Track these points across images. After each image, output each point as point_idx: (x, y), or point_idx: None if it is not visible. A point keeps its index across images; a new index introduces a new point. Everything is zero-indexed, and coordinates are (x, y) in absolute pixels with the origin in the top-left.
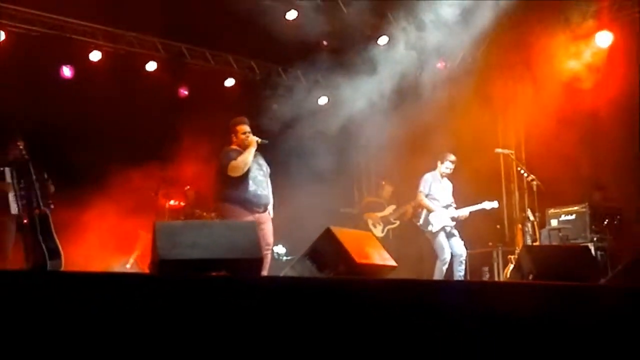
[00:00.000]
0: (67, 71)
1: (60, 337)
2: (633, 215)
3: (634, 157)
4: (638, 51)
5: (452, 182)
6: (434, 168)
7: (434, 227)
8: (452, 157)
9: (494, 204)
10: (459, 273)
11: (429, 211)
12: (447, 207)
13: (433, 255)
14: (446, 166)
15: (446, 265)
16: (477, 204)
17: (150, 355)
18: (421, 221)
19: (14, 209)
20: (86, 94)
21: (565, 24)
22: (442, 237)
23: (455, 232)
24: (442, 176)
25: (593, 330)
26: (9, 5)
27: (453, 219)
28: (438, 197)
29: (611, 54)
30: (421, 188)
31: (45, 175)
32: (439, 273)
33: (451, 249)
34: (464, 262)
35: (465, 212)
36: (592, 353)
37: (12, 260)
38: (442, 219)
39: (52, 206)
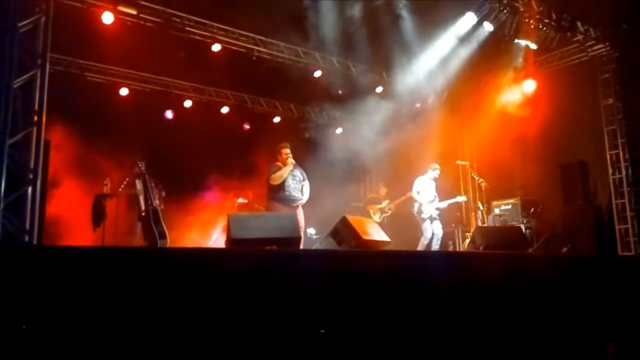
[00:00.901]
0: (169, 114)
1: (170, 290)
2: (550, 205)
3: (551, 167)
4: (552, 94)
5: (435, 183)
6: (424, 173)
7: (424, 214)
8: (438, 166)
9: (464, 198)
10: (436, 247)
11: (421, 203)
12: (432, 201)
13: (416, 234)
14: (435, 172)
15: (427, 241)
16: (451, 198)
17: (224, 301)
18: (415, 209)
19: (142, 206)
20: (182, 129)
21: (503, 75)
22: (427, 221)
23: (437, 217)
24: (430, 179)
25: (524, 281)
26: (130, 71)
27: (437, 209)
28: (427, 193)
29: (535, 95)
30: (415, 187)
31: (160, 186)
32: (421, 246)
33: (433, 230)
34: (440, 240)
35: (445, 204)
36: (523, 296)
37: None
38: (430, 209)
39: (162, 207)
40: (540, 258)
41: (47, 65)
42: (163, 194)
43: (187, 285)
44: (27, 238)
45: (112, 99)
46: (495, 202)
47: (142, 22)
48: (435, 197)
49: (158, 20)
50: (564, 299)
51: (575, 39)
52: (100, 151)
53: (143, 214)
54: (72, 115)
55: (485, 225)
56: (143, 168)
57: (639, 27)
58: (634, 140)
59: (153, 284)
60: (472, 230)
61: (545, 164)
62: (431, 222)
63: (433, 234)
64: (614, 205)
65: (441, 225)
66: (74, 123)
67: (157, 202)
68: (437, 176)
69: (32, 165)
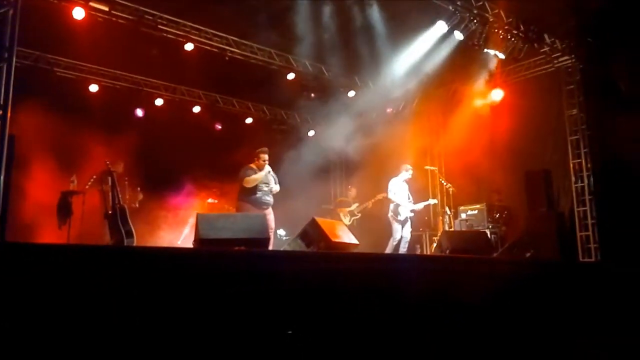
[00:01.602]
0: (139, 112)
1: (135, 289)
2: (517, 211)
3: (517, 174)
4: (519, 103)
5: (408, 185)
6: (397, 174)
7: (400, 216)
8: (411, 167)
9: (435, 201)
10: (403, 250)
11: (398, 204)
12: (407, 203)
13: (385, 236)
14: (408, 173)
15: (395, 243)
16: (419, 202)
17: (191, 301)
18: (391, 210)
19: (109, 204)
20: (153, 127)
21: (472, 84)
22: (399, 223)
23: (409, 220)
24: (403, 180)
25: (488, 284)
26: (100, 67)
27: (412, 210)
28: (401, 195)
29: (502, 104)
30: (390, 188)
31: (139, 188)
32: (389, 248)
33: (402, 233)
34: (407, 243)
35: (420, 205)
36: (486, 299)
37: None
38: (406, 211)
39: (137, 205)
40: (504, 261)
41: (14, 59)
42: (140, 196)
43: (153, 285)
44: None
45: (82, 95)
46: (462, 207)
47: (113, 19)
48: (409, 198)
49: (130, 17)
50: (526, 302)
51: (542, 50)
52: (68, 148)
53: (110, 212)
54: (39, 111)
55: (452, 229)
56: (110, 167)
57: (603, 40)
58: (595, 150)
59: (119, 283)
60: (439, 234)
61: (511, 171)
62: (402, 225)
63: (402, 237)
64: (575, 213)
65: (410, 229)
66: (41, 118)
67: (128, 200)
68: (410, 177)
69: None
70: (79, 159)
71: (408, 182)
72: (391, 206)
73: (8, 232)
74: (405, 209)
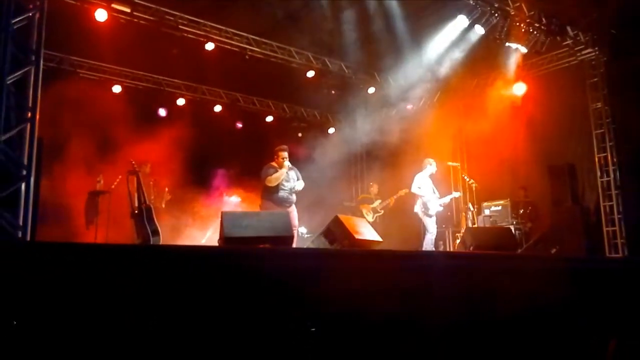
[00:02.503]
0: (162, 112)
1: (161, 287)
2: (542, 207)
3: (540, 169)
4: (542, 97)
5: (432, 179)
6: (421, 170)
7: (431, 211)
8: (434, 161)
9: (459, 194)
10: (431, 246)
11: (427, 200)
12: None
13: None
14: (432, 167)
15: (433, 237)
16: (447, 195)
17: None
18: (420, 207)
19: (135, 204)
20: (175, 126)
21: (494, 78)
22: (430, 218)
23: (435, 216)
24: (428, 175)
25: (511, 279)
26: (122, 68)
27: (441, 205)
28: (427, 189)
29: (525, 98)
30: (415, 183)
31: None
32: (427, 244)
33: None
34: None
35: (447, 199)
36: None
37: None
38: (435, 205)
39: (164, 205)
40: (529, 257)
41: (41, 62)
42: (168, 196)
43: (180, 282)
44: (20, 234)
45: (105, 96)
46: (485, 203)
47: (135, 20)
48: (434, 192)
49: (151, 18)
50: (553, 299)
51: (564, 43)
52: (93, 148)
53: (136, 211)
54: (64, 112)
55: (476, 226)
56: (136, 166)
57: (626, 33)
58: (621, 144)
59: (146, 281)
60: (462, 230)
61: (535, 165)
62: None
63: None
64: (601, 208)
65: (436, 225)
66: (66, 120)
67: (153, 200)
68: (434, 172)
69: (25, 162)
70: (104, 160)
71: (432, 176)
72: (419, 202)
73: (38, 232)
74: (434, 203)
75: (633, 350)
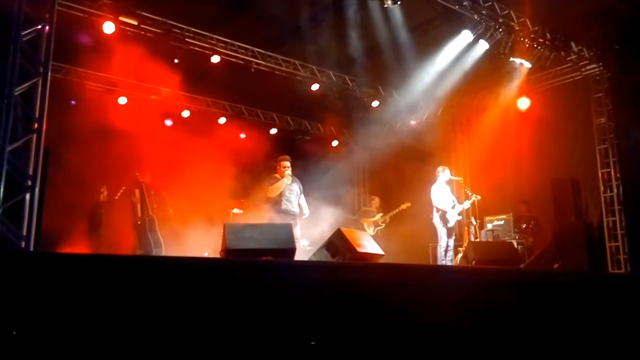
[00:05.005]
0: (168, 122)
1: (163, 299)
2: (544, 222)
3: (543, 184)
4: (546, 112)
5: (449, 186)
6: (435, 180)
7: (450, 223)
8: (445, 168)
9: (478, 197)
10: (449, 259)
11: (444, 211)
12: (453, 206)
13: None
14: (445, 174)
15: (443, 250)
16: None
17: (217, 311)
18: (438, 218)
19: (138, 215)
20: (180, 137)
21: (498, 93)
22: (446, 230)
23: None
24: (444, 183)
25: (513, 295)
26: (129, 80)
27: (459, 213)
28: (446, 200)
29: (528, 113)
30: (434, 196)
31: (164, 193)
32: (439, 256)
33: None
34: (452, 251)
35: (467, 204)
36: (511, 309)
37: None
38: (454, 215)
39: (171, 211)
40: (531, 272)
41: (49, 74)
42: (170, 211)
43: (182, 294)
44: (23, 244)
45: (111, 108)
46: (488, 218)
47: (142, 33)
48: (454, 201)
49: (158, 31)
50: (555, 314)
51: (569, 59)
52: (98, 159)
53: (139, 222)
54: (70, 123)
55: (478, 240)
56: (140, 178)
57: (630, 48)
58: (625, 159)
59: (148, 292)
60: (464, 244)
61: (538, 180)
62: (449, 232)
63: (447, 245)
64: (605, 223)
65: (454, 237)
66: (72, 130)
67: (156, 210)
68: (449, 178)
69: (31, 172)
70: (108, 171)
71: (449, 183)
72: (437, 213)
73: (41, 243)
74: (453, 213)
75: None
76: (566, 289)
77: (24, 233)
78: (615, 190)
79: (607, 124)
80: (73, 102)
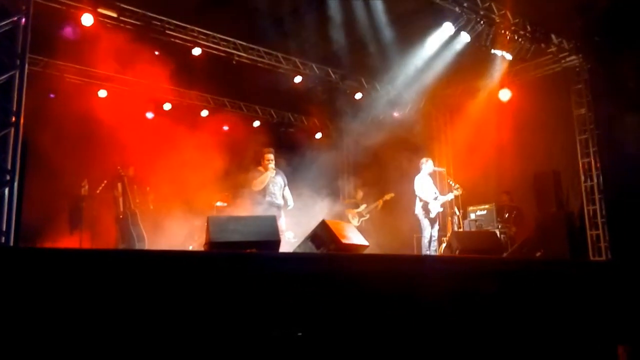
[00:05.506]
0: (149, 115)
1: (146, 293)
2: (527, 211)
3: (525, 174)
4: (527, 103)
5: (432, 178)
6: (418, 171)
7: (432, 213)
8: (429, 159)
9: (459, 191)
10: (433, 250)
11: (427, 202)
12: (436, 198)
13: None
14: (428, 166)
15: (427, 240)
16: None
17: (202, 304)
18: (420, 209)
19: (120, 209)
20: (162, 130)
21: (479, 85)
22: (429, 221)
23: (438, 218)
24: (427, 175)
25: (497, 283)
26: (110, 73)
27: (441, 205)
28: (429, 191)
29: (510, 104)
30: (417, 186)
31: (148, 188)
32: (424, 248)
33: (432, 231)
34: (436, 242)
35: (450, 196)
36: (494, 297)
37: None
38: (437, 207)
39: (152, 207)
40: (513, 261)
41: (26, 66)
42: (151, 207)
43: (165, 288)
44: (3, 240)
45: (91, 101)
46: (471, 208)
47: (122, 25)
48: (436, 193)
49: (138, 23)
50: (537, 301)
51: (549, 51)
52: (79, 153)
53: (121, 216)
54: (50, 117)
55: (461, 230)
56: (122, 171)
57: (610, 39)
58: (604, 149)
59: (131, 286)
60: (448, 234)
61: (520, 171)
62: (432, 223)
63: (431, 235)
64: (585, 212)
65: (438, 227)
66: (52, 124)
67: (139, 203)
68: (432, 170)
69: (9, 167)
70: (90, 164)
71: (432, 175)
72: (420, 204)
73: (21, 237)
74: (435, 205)
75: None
76: (548, 277)
77: (4, 228)
78: (595, 180)
79: (587, 115)
80: (52, 95)
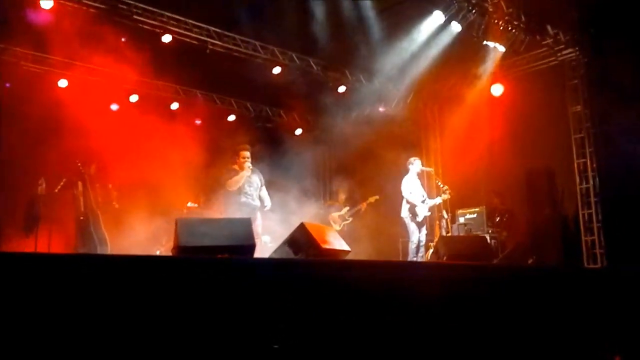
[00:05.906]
0: (114, 107)
1: (107, 299)
2: (519, 215)
3: (517, 174)
4: (520, 99)
5: (420, 180)
6: (406, 172)
7: (419, 217)
8: (416, 159)
9: (447, 196)
10: (420, 256)
11: (414, 205)
12: (423, 200)
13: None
14: (416, 166)
15: (414, 246)
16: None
17: (169, 313)
18: (407, 212)
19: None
20: (128, 123)
21: (470, 78)
22: (416, 225)
23: (426, 222)
24: (414, 176)
25: (486, 291)
26: (70, 60)
27: (429, 209)
28: (417, 194)
29: (502, 99)
30: (407, 189)
31: (111, 185)
32: (411, 253)
33: (419, 236)
34: (424, 247)
35: (438, 200)
36: (483, 306)
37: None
38: (424, 210)
39: (117, 205)
40: (504, 268)
41: None
42: (114, 192)
43: (129, 296)
44: None
45: (50, 91)
46: (460, 211)
47: (84, 8)
48: (424, 196)
49: (102, 6)
50: (529, 312)
51: (544, 43)
52: (35, 147)
53: (82, 217)
54: (4, 107)
55: (449, 234)
56: (82, 168)
57: (606, 33)
58: (601, 150)
59: (92, 294)
60: (435, 239)
61: (512, 171)
62: (419, 227)
63: (419, 240)
64: (580, 216)
65: (426, 232)
66: (5, 115)
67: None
68: (420, 169)
69: None
70: (47, 161)
71: (419, 175)
72: (407, 207)
73: None
74: (423, 208)
75: None
76: (541, 286)
77: None
78: (591, 182)
79: (583, 112)
80: (8, 85)
